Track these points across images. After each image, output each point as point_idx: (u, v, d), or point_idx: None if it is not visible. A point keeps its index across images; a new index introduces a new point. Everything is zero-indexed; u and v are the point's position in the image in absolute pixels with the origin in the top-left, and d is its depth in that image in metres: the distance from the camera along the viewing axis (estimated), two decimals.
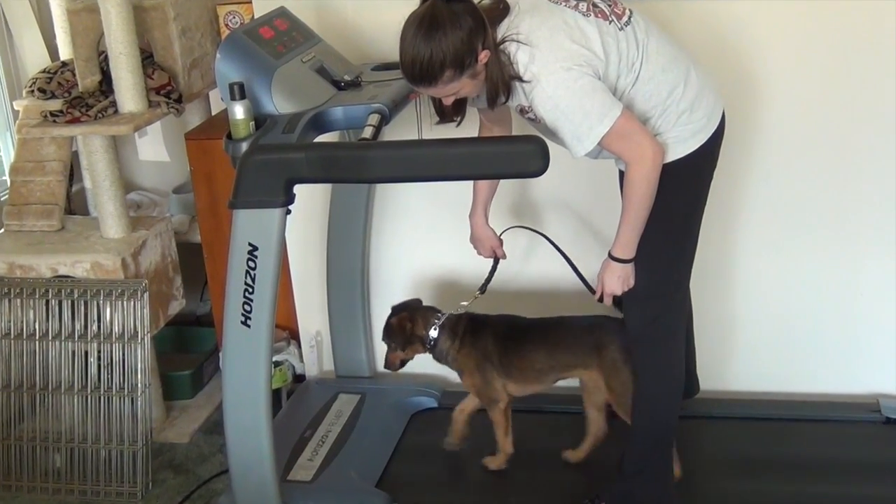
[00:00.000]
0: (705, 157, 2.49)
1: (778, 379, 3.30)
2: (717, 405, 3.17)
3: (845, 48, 2.92)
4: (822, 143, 3.03)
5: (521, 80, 2.31)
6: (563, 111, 2.29)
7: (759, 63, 2.97)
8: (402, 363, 2.94)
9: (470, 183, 2.81)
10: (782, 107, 3.01)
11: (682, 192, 2.48)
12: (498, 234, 2.88)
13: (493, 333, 2.85)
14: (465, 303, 2.90)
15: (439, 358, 2.91)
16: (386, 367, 2.96)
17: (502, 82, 2.33)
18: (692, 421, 2.99)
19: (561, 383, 2.90)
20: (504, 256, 2.91)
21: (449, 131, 2.52)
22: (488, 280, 2.90)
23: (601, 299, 2.57)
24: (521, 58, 2.30)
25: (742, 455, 2.97)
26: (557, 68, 2.28)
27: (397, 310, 2.94)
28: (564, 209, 3.24)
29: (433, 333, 2.86)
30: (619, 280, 2.51)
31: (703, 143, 2.45)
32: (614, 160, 2.58)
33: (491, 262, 2.92)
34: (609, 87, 2.35)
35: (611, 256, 2.49)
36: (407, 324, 2.88)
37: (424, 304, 2.98)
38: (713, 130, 2.48)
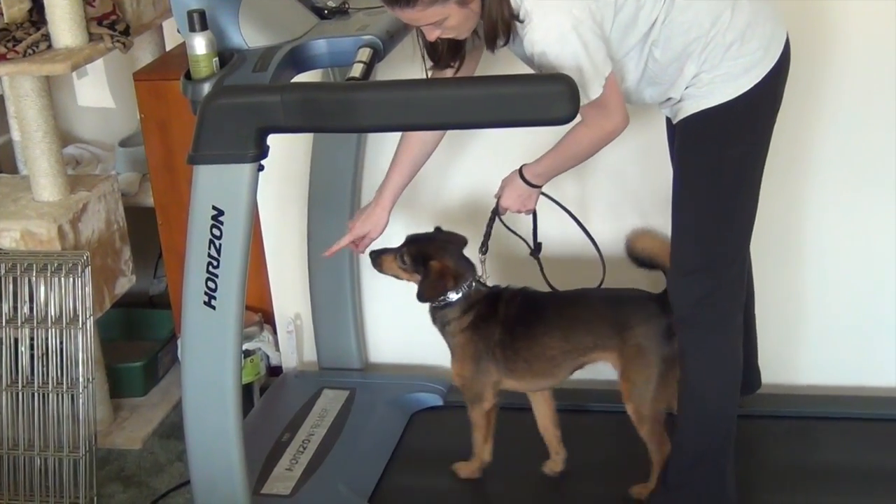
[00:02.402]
0: (763, 98, 2.48)
1: (855, 370, 3.30)
2: (783, 401, 3.16)
3: None
4: None
5: (517, 18, 2.33)
6: (549, 61, 2.32)
7: None
8: (388, 273, 2.93)
9: (486, 131, 2.81)
10: (859, 35, 2.99)
11: (735, 141, 2.48)
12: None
13: (503, 318, 2.84)
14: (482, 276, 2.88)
15: (435, 320, 2.90)
16: (372, 258, 2.93)
17: (502, 20, 2.34)
18: (753, 421, 2.99)
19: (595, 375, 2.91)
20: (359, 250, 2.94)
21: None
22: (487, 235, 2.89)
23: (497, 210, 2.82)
24: None
25: (813, 461, 2.98)
26: (552, 8, 2.30)
27: (440, 246, 2.88)
28: (590, 165, 3.21)
29: (453, 296, 2.85)
30: (517, 198, 2.74)
31: (759, 79, 2.44)
32: (658, 104, 2.58)
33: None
34: (620, 27, 2.39)
35: (521, 173, 2.68)
36: (449, 280, 2.83)
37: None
38: (772, 64, 2.46)
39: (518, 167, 2.71)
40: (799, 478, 2.91)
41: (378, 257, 2.91)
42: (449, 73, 2.59)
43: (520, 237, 2.90)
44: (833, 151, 3.11)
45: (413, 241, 2.89)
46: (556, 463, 2.98)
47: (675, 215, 2.58)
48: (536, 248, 2.92)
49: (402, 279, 2.90)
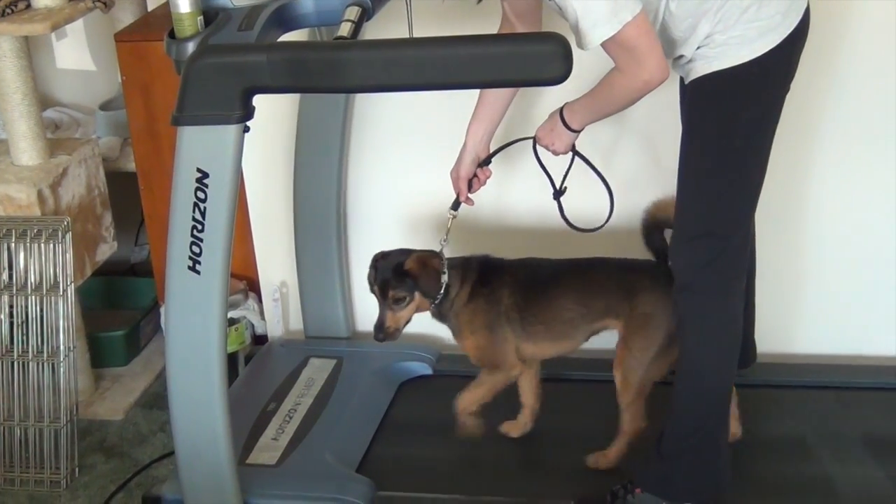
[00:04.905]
0: (777, 64, 2.48)
1: (853, 340, 3.33)
2: (780, 371, 3.19)
3: None
4: None
5: None
6: None
7: None
8: (405, 324, 2.87)
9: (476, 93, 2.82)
10: (878, 6, 3.00)
11: (745, 105, 2.49)
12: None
13: (510, 282, 2.85)
14: (444, 238, 2.88)
15: (442, 316, 2.89)
16: (383, 335, 2.83)
17: None
18: (748, 390, 3.01)
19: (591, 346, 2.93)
20: (468, 203, 2.91)
21: (448, 29, 2.51)
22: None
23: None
24: None
25: (809, 430, 3.00)
26: None
27: (393, 255, 2.86)
28: (605, 126, 3.20)
29: (444, 279, 2.84)
30: (550, 132, 2.73)
31: (775, 45, 2.44)
32: (670, 63, 2.58)
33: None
34: None
35: (561, 113, 2.68)
36: (433, 259, 2.82)
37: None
38: (789, 31, 2.46)
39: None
40: (794, 447, 2.94)
41: (386, 328, 2.82)
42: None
43: (547, 174, 2.87)
44: (838, 120, 3.13)
45: (381, 284, 2.82)
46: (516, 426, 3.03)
47: (680, 178, 2.59)
48: (559, 192, 2.88)
49: (425, 308, 2.86)
